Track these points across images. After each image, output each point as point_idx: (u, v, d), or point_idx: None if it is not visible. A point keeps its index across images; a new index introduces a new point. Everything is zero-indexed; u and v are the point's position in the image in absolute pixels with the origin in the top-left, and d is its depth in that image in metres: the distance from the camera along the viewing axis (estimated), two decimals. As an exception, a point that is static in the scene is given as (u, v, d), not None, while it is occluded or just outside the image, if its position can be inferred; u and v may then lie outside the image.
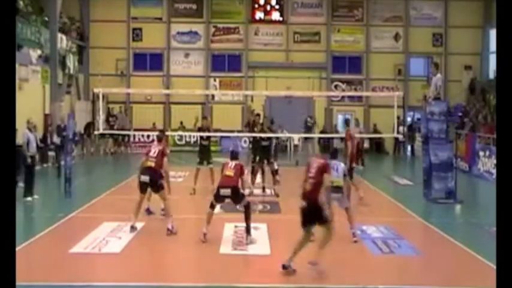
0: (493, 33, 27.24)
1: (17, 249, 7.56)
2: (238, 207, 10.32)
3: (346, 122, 14.10)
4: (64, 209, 12.40)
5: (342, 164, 10.50)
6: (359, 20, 29.56)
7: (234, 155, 10.23)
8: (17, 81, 18.65)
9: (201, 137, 15.28)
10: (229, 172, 9.76)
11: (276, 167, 14.87)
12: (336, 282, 7.84)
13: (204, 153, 15.01)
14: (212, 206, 9.95)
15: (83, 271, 8.19)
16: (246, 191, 11.25)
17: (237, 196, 9.78)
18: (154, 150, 10.71)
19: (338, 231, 11.02)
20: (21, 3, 20.50)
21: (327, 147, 28.44)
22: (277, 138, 15.31)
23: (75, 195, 14.44)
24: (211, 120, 28.05)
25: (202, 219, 9.90)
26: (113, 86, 26.55)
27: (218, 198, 9.91)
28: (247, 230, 9.81)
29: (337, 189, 9.87)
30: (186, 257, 9.14)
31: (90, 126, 26.16)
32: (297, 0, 29.52)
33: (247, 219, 9.82)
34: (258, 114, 17.64)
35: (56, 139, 20.16)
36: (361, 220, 11.66)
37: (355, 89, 29.29)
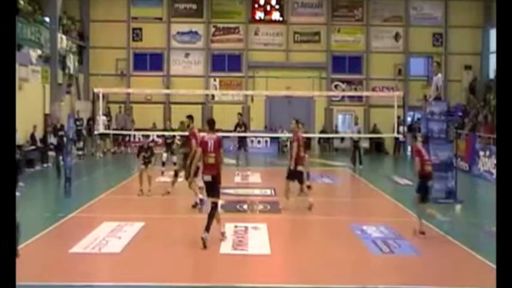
0: (493, 33, 27.22)
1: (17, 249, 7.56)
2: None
3: (297, 122, 13.46)
4: (64, 209, 12.41)
5: None
6: (359, 20, 29.55)
7: None
8: (17, 81, 18.64)
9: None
10: None
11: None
12: (336, 282, 7.85)
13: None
14: None
15: (83, 271, 8.18)
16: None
17: None
18: (211, 142, 9.91)
19: (338, 230, 11.07)
20: (21, 3, 20.48)
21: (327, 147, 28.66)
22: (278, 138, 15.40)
23: (75, 195, 14.44)
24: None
25: (202, 218, 9.87)
26: (113, 86, 26.59)
27: None
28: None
29: None
30: (186, 257, 9.13)
31: (90, 123, 26.14)
32: (297, 0, 29.52)
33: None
34: (240, 114, 19.04)
35: (53, 139, 20.14)
36: (361, 220, 11.69)
37: (355, 89, 29.27)
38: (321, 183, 17.68)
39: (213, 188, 9.79)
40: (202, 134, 11.33)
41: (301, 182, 12.88)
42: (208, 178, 9.75)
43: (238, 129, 19.08)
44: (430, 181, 10.74)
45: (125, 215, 11.90)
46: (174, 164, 16.09)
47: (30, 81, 21.14)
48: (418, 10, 29.52)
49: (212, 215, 9.64)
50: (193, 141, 12.46)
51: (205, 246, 9.23)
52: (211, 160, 9.73)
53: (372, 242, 9.90)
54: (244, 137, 19.80)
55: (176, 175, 14.56)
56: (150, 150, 14.97)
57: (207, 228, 9.42)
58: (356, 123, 24.09)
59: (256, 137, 27.00)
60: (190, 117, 13.25)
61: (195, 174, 12.32)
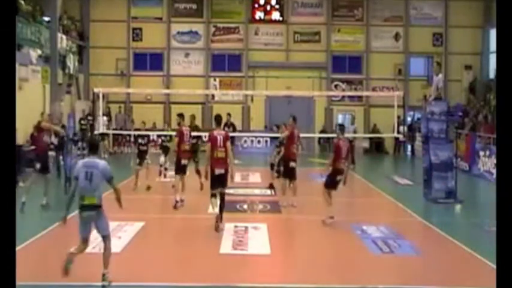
0: (493, 33, 27.23)
1: (17, 249, 7.55)
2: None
3: (294, 119, 13.43)
4: (64, 209, 12.35)
5: None
6: (359, 19, 29.55)
7: None
8: (17, 81, 18.64)
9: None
10: None
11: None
12: (336, 282, 7.84)
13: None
14: None
15: (83, 271, 8.17)
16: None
17: None
18: (220, 137, 10.59)
19: (338, 230, 11.07)
20: (21, 3, 20.48)
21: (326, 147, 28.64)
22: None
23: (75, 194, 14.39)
24: (210, 119, 28.43)
25: (202, 218, 9.92)
26: (113, 85, 26.60)
27: None
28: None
29: None
30: (186, 257, 9.13)
31: (88, 118, 26.10)
32: (297, 0, 29.53)
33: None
34: (229, 114, 19.52)
35: (54, 139, 20.07)
36: (361, 220, 11.69)
37: (355, 89, 29.29)
38: (320, 183, 17.64)
39: (223, 180, 10.50)
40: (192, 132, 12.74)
41: (293, 178, 13.22)
42: (221, 171, 10.43)
43: (226, 129, 19.22)
44: (340, 176, 11.35)
45: (125, 215, 11.83)
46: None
47: (30, 81, 21.13)
48: (418, 10, 29.53)
49: (223, 206, 10.49)
50: (176, 140, 12.87)
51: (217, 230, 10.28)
52: (222, 154, 10.43)
53: (372, 242, 9.89)
54: (233, 137, 20.18)
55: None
56: (147, 136, 15.24)
57: (221, 218, 10.40)
58: (352, 123, 24.08)
59: (256, 136, 27.04)
60: (180, 115, 13.43)
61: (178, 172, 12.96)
